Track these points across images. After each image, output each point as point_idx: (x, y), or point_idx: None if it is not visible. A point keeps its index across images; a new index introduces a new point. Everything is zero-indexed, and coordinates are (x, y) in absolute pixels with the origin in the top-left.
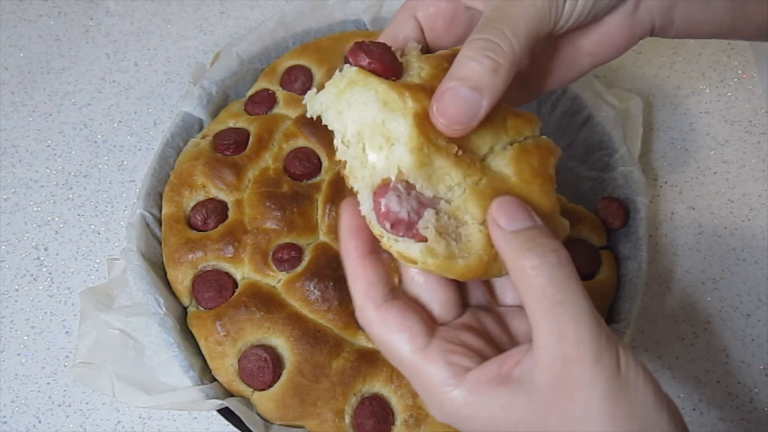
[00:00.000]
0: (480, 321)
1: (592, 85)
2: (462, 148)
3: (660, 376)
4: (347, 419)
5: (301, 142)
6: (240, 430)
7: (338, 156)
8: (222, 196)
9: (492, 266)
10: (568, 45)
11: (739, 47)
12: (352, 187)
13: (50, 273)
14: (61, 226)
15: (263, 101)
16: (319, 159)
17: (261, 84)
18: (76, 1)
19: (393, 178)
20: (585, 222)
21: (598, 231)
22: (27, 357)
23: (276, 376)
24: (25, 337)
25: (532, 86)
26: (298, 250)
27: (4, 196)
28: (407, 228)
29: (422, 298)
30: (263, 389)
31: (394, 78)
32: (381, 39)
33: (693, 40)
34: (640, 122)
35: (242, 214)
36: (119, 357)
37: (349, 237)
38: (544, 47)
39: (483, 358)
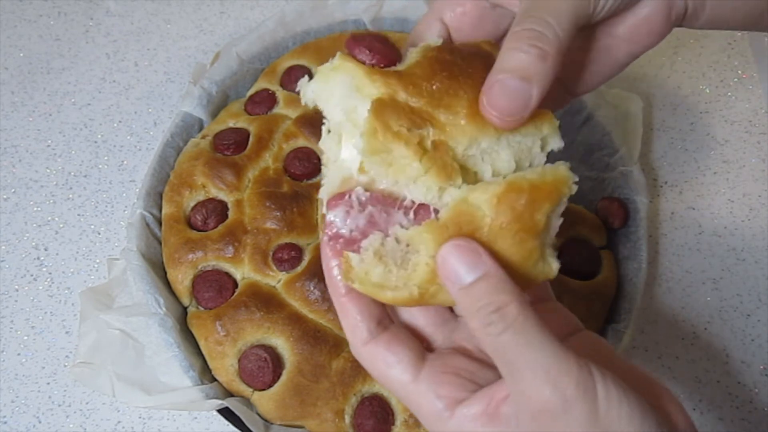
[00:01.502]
0: (473, 339)
1: None
2: (439, 146)
3: (660, 376)
4: (347, 419)
5: (301, 142)
6: (240, 430)
7: (320, 144)
8: (222, 196)
9: (430, 299)
10: (605, 34)
11: (739, 47)
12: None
13: (50, 273)
14: (61, 226)
15: (263, 101)
16: (319, 159)
17: (261, 84)
18: (76, 1)
19: (355, 176)
20: (585, 222)
21: (598, 231)
22: (27, 357)
23: (276, 376)
24: (25, 337)
25: (569, 86)
26: (298, 250)
27: (4, 196)
28: (346, 244)
29: (417, 323)
30: (263, 389)
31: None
32: (407, 44)
33: (693, 40)
34: (640, 122)
35: (242, 214)
36: (119, 357)
37: (329, 276)
38: (581, 41)
39: (475, 383)
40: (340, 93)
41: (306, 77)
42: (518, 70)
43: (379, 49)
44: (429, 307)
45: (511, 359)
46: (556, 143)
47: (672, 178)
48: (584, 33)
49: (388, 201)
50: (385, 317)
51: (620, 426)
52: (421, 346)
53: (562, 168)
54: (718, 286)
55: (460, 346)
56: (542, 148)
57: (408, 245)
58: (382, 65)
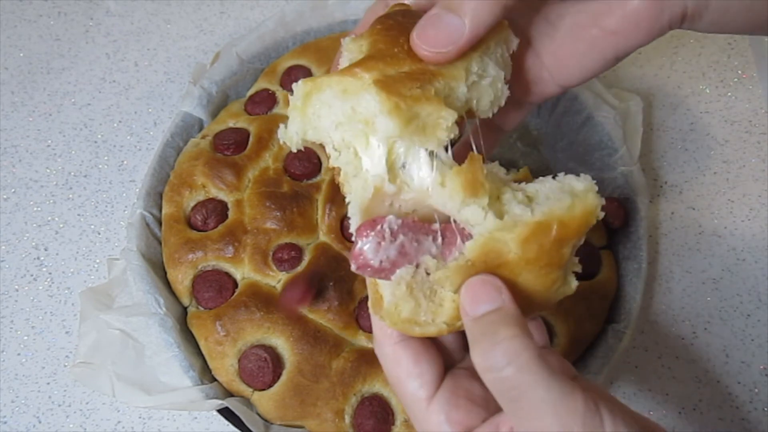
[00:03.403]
0: None
1: (592, 85)
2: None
3: (660, 376)
4: (347, 419)
5: None
6: (240, 430)
7: (332, 163)
8: (222, 196)
9: (455, 330)
10: (592, 25)
11: (739, 47)
12: (345, 198)
13: (50, 273)
14: (61, 226)
15: (263, 101)
16: (319, 159)
17: (261, 84)
18: (76, 1)
19: (386, 187)
20: None
21: (598, 231)
22: (27, 357)
23: (276, 376)
24: (25, 337)
25: (555, 77)
26: (298, 250)
27: (4, 196)
28: (374, 272)
29: (443, 338)
30: (263, 389)
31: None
32: (358, 29)
33: (693, 40)
34: (640, 122)
35: (242, 214)
36: (119, 357)
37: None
38: (567, 33)
39: (486, 410)
40: (327, 111)
41: (282, 126)
42: (451, 5)
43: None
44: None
45: (514, 396)
46: (513, 43)
47: (672, 178)
48: (572, 25)
49: (418, 228)
50: (442, 373)
51: None
52: (443, 364)
53: (591, 196)
54: (718, 286)
55: (471, 366)
56: (508, 50)
57: (436, 280)
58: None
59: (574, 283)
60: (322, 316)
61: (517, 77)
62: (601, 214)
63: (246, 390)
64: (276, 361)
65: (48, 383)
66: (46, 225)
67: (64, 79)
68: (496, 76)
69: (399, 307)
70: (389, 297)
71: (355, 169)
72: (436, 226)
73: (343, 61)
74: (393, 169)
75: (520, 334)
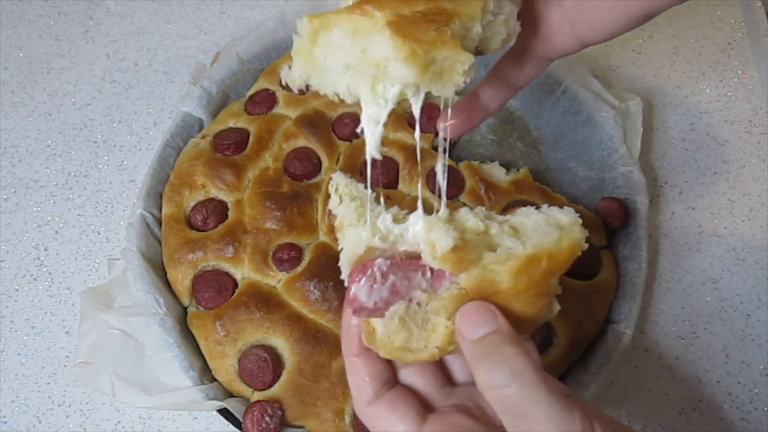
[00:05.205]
0: (472, 397)
1: (592, 85)
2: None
3: (660, 376)
4: (347, 419)
5: (301, 142)
6: (240, 430)
7: (331, 207)
8: (222, 196)
9: (447, 354)
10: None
11: (739, 47)
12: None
13: (50, 273)
14: (61, 226)
15: (263, 101)
16: (319, 159)
17: (261, 84)
18: (76, 1)
19: (376, 244)
20: (585, 222)
21: (598, 231)
22: (27, 357)
23: (276, 376)
24: (25, 337)
25: (576, 30)
26: (298, 250)
27: (4, 196)
28: (370, 314)
29: (417, 385)
30: (263, 389)
31: None
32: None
33: (693, 40)
34: (640, 122)
35: (242, 214)
36: (119, 357)
37: (346, 335)
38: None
39: None
40: (336, 51)
41: (285, 66)
42: None
43: None
44: (427, 370)
45: (519, 412)
46: None
47: (672, 178)
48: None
49: (407, 266)
50: (392, 378)
51: None
52: (422, 405)
53: (576, 230)
54: (718, 286)
55: (461, 404)
56: None
57: (428, 304)
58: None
59: (557, 308)
60: (322, 316)
61: (537, 27)
62: (585, 246)
63: (246, 390)
64: (276, 361)
65: (48, 383)
66: (46, 225)
67: (64, 79)
68: (510, 12)
69: (392, 338)
70: (382, 329)
71: (351, 221)
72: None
73: None
74: (386, 234)
75: (521, 353)
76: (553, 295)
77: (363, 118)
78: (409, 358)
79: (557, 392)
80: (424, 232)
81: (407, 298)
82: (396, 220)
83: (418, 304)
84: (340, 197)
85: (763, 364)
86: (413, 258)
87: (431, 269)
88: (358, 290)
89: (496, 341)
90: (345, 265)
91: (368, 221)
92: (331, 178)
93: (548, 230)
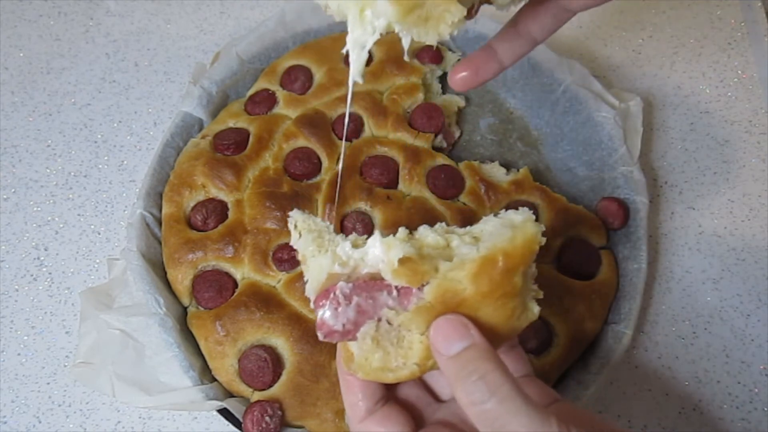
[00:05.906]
0: (457, 413)
1: (592, 85)
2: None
3: (660, 376)
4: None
5: (301, 142)
6: (240, 430)
7: (292, 243)
8: (222, 196)
9: (429, 370)
10: None
11: (739, 47)
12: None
13: (50, 273)
14: (61, 226)
15: (263, 101)
16: (319, 159)
17: (261, 84)
18: (76, 1)
19: (337, 270)
20: (585, 222)
21: (598, 231)
22: (27, 357)
23: (276, 376)
24: (25, 337)
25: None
26: None
27: (4, 196)
28: (342, 336)
29: (411, 398)
30: (263, 389)
31: None
32: None
33: (693, 40)
34: (640, 122)
35: (242, 214)
36: (119, 357)
37: (340, 352)
38: None
39: None
40: None
41: None
42: None
43: None
44: (412, 389)
45: (498, 426)
46: None
47: (672, 178)
48: None
49: (371, 286)
50: (385, 395)
51: None
52: (413, 421)
53: (529, 225)
54: (718, 286)
55: (446, 420)
56: None
57: (400, 325)
58: None
59: (536, 309)
60: None
61: None
62: (543, 240)
63: (246, 390)
64: (276, 361)
65: (48, 383)
66: (46, 225)
67: (64, 79)
68: None
69: (369, 359)
70: (358, 351)
71: (312, 252)
72: (389, 281)
73: None
74: (347, 260)
75: (497, 368)
76: (529, 296)
77: (348, 40)
78: (390, 378)
79: (534, 403)
80: (382, 253)
81: (376, 318)
82: (355, 246)
83: (389, 323)
84: (300, 233)
85: (763, 364)
86: (376, 279)
87: (397, 288)
88: (324, 314)
89: (472, 357)
90: (311, 293)
91: (329, 251)
92: (289, 216)
93: (502, 231)
